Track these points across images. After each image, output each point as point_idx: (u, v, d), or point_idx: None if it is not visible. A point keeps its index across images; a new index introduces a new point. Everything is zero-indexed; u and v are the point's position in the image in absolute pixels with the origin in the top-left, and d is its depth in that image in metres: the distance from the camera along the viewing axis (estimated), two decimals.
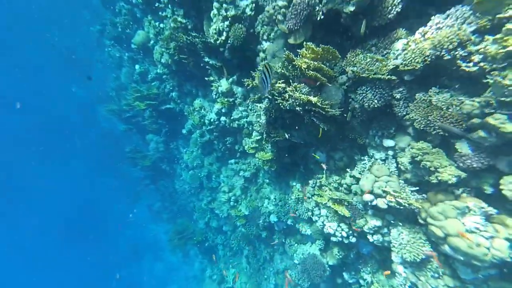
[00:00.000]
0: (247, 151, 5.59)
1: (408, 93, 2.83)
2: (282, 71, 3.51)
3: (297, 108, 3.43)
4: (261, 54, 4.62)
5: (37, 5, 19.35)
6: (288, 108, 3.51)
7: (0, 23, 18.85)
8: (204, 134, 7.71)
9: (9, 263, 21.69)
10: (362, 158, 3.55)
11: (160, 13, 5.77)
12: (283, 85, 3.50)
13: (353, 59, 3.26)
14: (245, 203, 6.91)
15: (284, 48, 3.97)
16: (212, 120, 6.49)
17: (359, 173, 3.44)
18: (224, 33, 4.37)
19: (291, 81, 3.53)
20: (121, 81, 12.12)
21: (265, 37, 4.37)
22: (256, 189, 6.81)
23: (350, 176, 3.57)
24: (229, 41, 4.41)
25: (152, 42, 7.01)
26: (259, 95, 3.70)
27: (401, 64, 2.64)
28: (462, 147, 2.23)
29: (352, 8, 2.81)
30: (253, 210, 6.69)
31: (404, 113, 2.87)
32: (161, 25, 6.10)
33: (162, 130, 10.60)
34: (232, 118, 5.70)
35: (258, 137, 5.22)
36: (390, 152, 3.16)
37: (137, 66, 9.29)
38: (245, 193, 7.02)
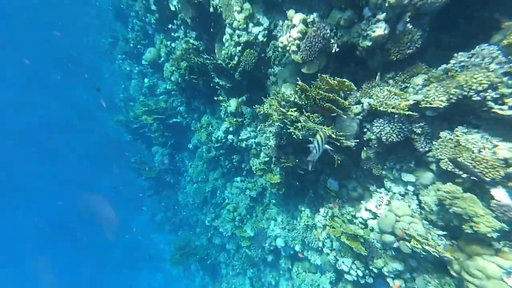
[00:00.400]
0: (255, 172, 5.48)
1: (430, 128, 2.71)
2: (295, 99, 3.46)
3: (310, 139, 3.34)
4: (272, 78, 4.62)
5: (50, 11, 20.28)
6: (300, 138, 3.42)
7: (16, 27, 19.82)
8: (211, 150, 7.67)
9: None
10: (378, 190, 3.39)
11: (172, 33, 5.90)
12: (295, 113, 3.43)
13: (369, 90, 3.18)
14: (250, 224, 6.73)
15: (297, 78, 3.94)
16: (219, 138, 6.46)
17: (376, 207, 3.27)
18: (236, 58, 4.39)
19: (303, 109, 3.46)
20: (130, 93, 12.39)
21: (276, 62, 4.37)
22: (262, 209, 6.63)
23: (366, 210, 3.39)
24: (240, 66, 4.42)
25: (162, 59, 7.15)
26: (269, 122, 3.62)
27: (423, 100, 2.54)
28: (501, 196, 2.07)
29: (369, 43, 2.76)
30: (259, 232, 6.48)
31: (426, 149, 2.73)
32: (173, 45, 6.24)
33: (168, 143, 10.63)
34: (240, 137, 5.64)
35: (266, 159, 5.12)
36: (410, 188, 3.00)
37: (146, 80, 9.49)
38: (250, 213, 6.85)
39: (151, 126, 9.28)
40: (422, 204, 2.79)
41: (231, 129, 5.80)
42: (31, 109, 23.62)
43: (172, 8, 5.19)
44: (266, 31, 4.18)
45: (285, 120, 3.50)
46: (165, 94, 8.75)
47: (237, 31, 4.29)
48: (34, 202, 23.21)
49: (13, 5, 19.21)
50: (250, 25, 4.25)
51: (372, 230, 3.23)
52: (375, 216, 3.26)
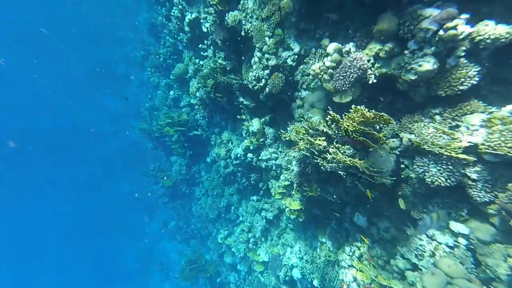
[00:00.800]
0: (273, 195, 5.30)
1: (490, 175, 2.37)
2: (324, 129, 3.31)
3: (340, 173, 3.13)
4: (298, 101, 4.54)
5: (87, 22, 22.70)
6: (328, 170, 3.23)
7: (53, 34, 22.42)
8: (228, 165, 7.67)
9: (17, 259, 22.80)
10: (419, 237, 3.01)
11: (201, 52, 6.20)
12: (324, 143, 3.28)
13: (409, 125, 2.94)
14: (265, 248, 6.44)
15: (325, 103, 3.83)
16: (238, 155, 6.44)
17: (416, 257, 2.89)
18: (263, 80, 4.42)
19: (333, 140, 3.29)
20: (155, 103, 13.14)
21: (304, 86, 4.31)
22: (278, 233, 6.34)
23: (404, 258, 3.02)
24: (267, 88, 4.43)
25: (189, 75, 7.51)
26: (295, 150, 3.49)
27: (484, 144, 2.25)
28: None
29: (413, 77, 2.58)
30: (273, 258, 6.15)
31: (486, 199, 2.38)
32: (201, 62, 6.53)
33: (186, 153, 10.90)
34: (260, 157, 5.55)
35: (287, 183, 4.93)
36: (462, 241, 2.62)
37: (171, 92, 10.01)
38: (265, 236, 6.58)
39: (172, 136, 9.63)
40: (483, 267, 2.39)
41: (251, 148, 5.76)
42: (65, 113, 26.08)
43: (204, 30, 5.47)
44: (296, 56, 4.18)
45: (312, 150, 3.35)
46: (188, 107, 9.10)
47: (266, 55, 4.34)
48: (56, 202, 24.90)
49: (59, 15, 21.96)
50: (280, 49, 4.29)
51: (412, 285, 2.84)
52: (415, 267, 2.88)
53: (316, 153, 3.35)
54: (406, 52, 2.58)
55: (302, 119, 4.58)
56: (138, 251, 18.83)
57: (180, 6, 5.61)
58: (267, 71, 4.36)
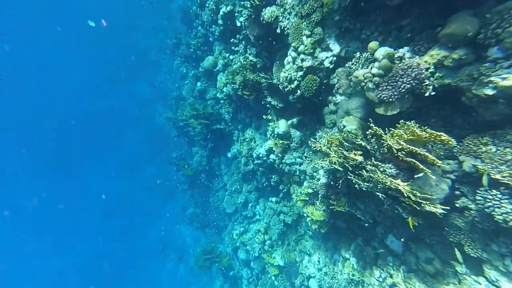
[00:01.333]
0: (295, 201, 5.17)
1: None
2: (361, 142, 3.02)
3: (378, 194, 2.86)
4: (331, 106, 4.24)
5: (123, 10, 23.98)
6: (364, 189, 2.98)
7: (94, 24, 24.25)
8: (249, 163, 7.68)
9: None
10: (474, 277, 2.66)
11: (232, 47, 6.11)
12: (360, 158, 3.00)
13: (475, 147, 2.52)
14: (281, 252, 6.42)
15: (364, 113, 3.49)
16: (261, 155, 6.37)
17: None
18: (295, 82, 4.19)
19: (372, 156, 3.00)
20: (182, 92, 13.60)
21: (340, 91, 3.98)
22: (296, 239, 6.25)
23: None
24: (299, 91, 4.20)
25: (218, 68, 7.52)
26: (326, 162, 3.27)
27: None
28: None
29: (490, 92, 2.16)
30: (290, 264, 6.11)
31: None
32: (231, 57, 6.46)
33: (208, 145, 11.19)
34: (283, 161, 5.41)
35: (310, 191, 4.75)
36: None
37: (198, 83, 10.20)
38: (282, 239, 6.54)
39: (195, 128, 9.92)
40: None
41: (275, 149, 5.63)
42: (102, 96, 28.45)
43: (238, 24, 5.34)
44: (335, 58, 3.86)
45: (346, 165, 3.10)
46: (214, 99, 9.22)
47: (302, 55, 4.08)
48: (93, 180, 27.74)
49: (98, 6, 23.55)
50: (318, 50, 3.99)
51: None
52: None
53: (349, 168, 3.10)
54: (485, 62, 2.16)
55: (334, 125, 4.30)
56: (157, 232, 20.39)
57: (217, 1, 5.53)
58: (300, 73, 4.11)
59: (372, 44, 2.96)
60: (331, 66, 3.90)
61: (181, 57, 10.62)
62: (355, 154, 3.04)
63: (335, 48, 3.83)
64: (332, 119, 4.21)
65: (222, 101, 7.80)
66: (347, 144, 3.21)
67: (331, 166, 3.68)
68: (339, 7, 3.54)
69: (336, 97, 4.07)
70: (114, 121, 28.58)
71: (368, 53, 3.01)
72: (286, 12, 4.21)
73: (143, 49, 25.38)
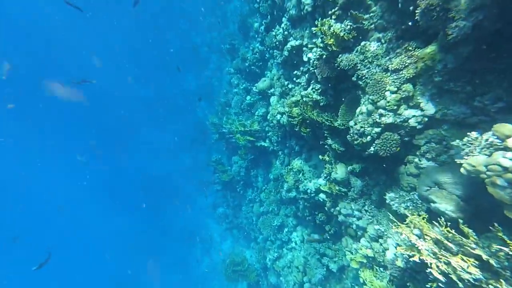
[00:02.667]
0: (349, 262, 4.90)
1: None
2: (476, 249, 2.52)
3: None
4: (411, 168, 3.81)
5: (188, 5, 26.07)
6: None
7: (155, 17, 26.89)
8: (292, 190, 7.61)
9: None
10: None
11: (294, 78, 6.05)
12: (476, 272, 2.36)
13: None
14: None
15: (469, 193, 3.00)
16: (308, 191, 6.23)
17: None
18: (369, 137, 3.90)
19: (501, 278, 2.43)
20: (229, 100, 14.21)
21: (428, 156, 3.54)
22: None
23: None
24: (372, 148, 3.90)
25: (272, 91, 7.57)
26: (409, 250, 2.92)
27: None
28: None
29: None
30: None
31: None
32: (290, 86, 6.41)
33: (248, 157, 11.49)
34: (338, 209, 5.18)
35: (371, 255, 4.43)
36: None
37: (248, 97, 10.49)
38: (323, 285, 6.33)
39: (239, 140, 10.28)
40: None
41: (328, 192, 5.42)
42: (149, 84, 31.94)
43: (305, 59, 5.23)
44: (426, 119, 3.43)
45: (452, 275, 2.59)
46: (262, 117, 9.36)
47: (381, 110, 3.76)
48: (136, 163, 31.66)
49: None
50: (403, 107, 3.61)
51: None
52: None
53: (454, 277, 2.58)
54: None
55: (413, 190, 3.83)
56: (186, 221, 22.16)
57: (286, 32, 5.49)
58: (377, 129, 3.80)
59: (504, 129, 2.46)
60: (420, 127, 3.49)
61: (235, 68, 11.04)
62: (464, 260, 2.53)
63: (429, 108, 3.40)
64: (411, 182, 3.80)
65: (272, 124, 7.85)
66: (448, 243, 2.72)
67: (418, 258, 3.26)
68: (443, 68, 3.11)
69: (420, 160, 3.64)
70: (160, 107, 31.75)
71: (494, 137, 2.51)
72: (366, 61, 3.92)
73: (196, 45, 27.19)
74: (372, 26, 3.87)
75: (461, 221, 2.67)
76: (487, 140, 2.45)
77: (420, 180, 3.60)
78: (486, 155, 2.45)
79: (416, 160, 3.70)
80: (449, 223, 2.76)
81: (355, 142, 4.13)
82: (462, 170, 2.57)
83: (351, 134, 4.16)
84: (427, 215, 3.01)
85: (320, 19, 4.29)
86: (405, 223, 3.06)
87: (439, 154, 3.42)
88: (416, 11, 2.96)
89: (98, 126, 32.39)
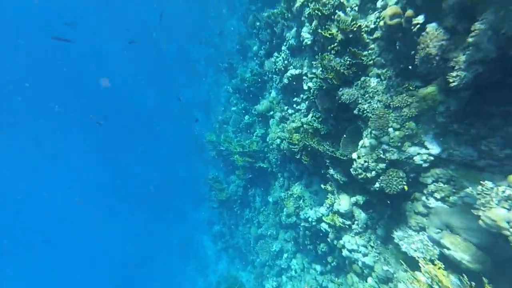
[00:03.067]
0: None
1: None
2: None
3: None
4: (419, 207, 3.68)
5: (186, 21, 26.85)
6: None
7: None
8: (292, 215, 7.38)
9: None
10: None
11: (294, 105, 6.06)
12: None
13: None
14: None
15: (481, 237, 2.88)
16: (310, 219, 6.04)
17: None
18: (373, 173, 3.82)
19: None
20: (227, 117, 14.21)
21: (437, 195, 3.45)
22: None
23: None
24: (377, 184, 3.80)
25: (271, 114, 7.57)
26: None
27: None
28: None
29: None
30: None
31: None
32: (289, 111, 6.41)
33: (246, 175, 11.26)
34: (341, 242, 4.97)
35: None
36: None
37: (246, 117, 10.48)
38: None
39: (238, 161, 10.12)
40: None
41: (330, 223, 5.23)
42: (147, 95, 32.09)
43: (305, 87, 5.25)
44: (432, 158, 3.38)
45: None
46: (260, 138, 9.30)
47: (385, 146, 3.71)
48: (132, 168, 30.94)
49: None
50: (407, 144, 3.57)
51: None
52: None
53: None
54: None
55: (422, 230, 3.68)
56: (181, 237, 21.25)
57: (285, 62, 5.57)
58: (382, 165, 3.73)
59: None
60: (426, 165, 3.43)
61: (234, 88, 11.12)
62: None
63: (434, 148, 3.36)
64: (420, 222, 3.66)
65: (271, 147, 7.76)
66: None
67: None
68: (446, 110, 3.10)
69: (428, 199, 3.53)
70: (158, 117, 31.62)
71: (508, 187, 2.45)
72: (367, 95, 3.93)
73: (194, 59, 27.71)
74: (371, 62, 3.93)
75: (485, 279, 2.51)
76: (503, 192, 2.37)
77: (430, 220, 3.48)
78: (505, 208, 2.36)
79: (424, 198, 3.60)
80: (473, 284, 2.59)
81: (359, 177, 4.03)
82: (480, 222, 2.47)
83: (355, 168, 4.07)
84: (443, 265, 2.86)
85: (319, 53, 4.35)
86: (420, 272, 2.90)
87: (448, 195, 3.32)
88: (416, 57, 3.00)
89: (96, 134, 31.69)
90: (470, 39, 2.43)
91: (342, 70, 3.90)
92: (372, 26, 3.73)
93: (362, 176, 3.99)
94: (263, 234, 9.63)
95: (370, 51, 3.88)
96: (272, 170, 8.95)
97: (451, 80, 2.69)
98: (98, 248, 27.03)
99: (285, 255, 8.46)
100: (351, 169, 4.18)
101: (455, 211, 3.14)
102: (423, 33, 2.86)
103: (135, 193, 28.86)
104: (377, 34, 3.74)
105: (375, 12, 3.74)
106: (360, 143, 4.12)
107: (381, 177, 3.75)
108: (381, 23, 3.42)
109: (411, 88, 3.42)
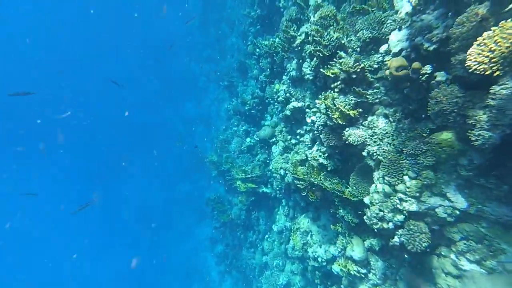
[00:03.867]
0: None
1: None
2: None
3: None
4: (448, 265, 3.23)
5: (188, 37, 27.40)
6: None
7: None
8: (297, 248, 6.92)
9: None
10: None
11: (297, 136, 5.79)
12: None
13: None
14: None
15: None
16: (319, 258, 5.60)
17: None
18: (391, 224, 3.45)
19: None
20: (227, 136, 14.02)
21: (470, 258, 3.04)
22: None
23: None
24: (396, 238, 3.42)
25: (273, 140, 7.31)
26: None
27: None
28: None
29: None
30: None
31: None
32: (293, 141, 6.15)
33: (249, 199, 10.87)
34: None
35: None
36: None
37: (248, 139, 10.26)
38: None
39: (240, 187, 9.77)
40: None
41: (343, 269, 4.79)
42: (150, 110, 32.28)
43: (308, 120, 5.00)
44: (458, 212, 3.02)
45: None
46: (263, 162, 9.00)
47: (401, 195, 3.36)
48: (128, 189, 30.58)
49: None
50: (426, 193, 3.22)
51: None
52: None
53: None
54: None
55: None
56: (184, 256, 20.59)
57: (287, 94, 5.37)
58: (400, 216, 3.36)
59: None
60: (451, 220, 3.06)
61: (234, 110, 10.99)
62: None
63: (458, 201, 3.01)
64: (451, 284, 3.21)
65: (275, 175, 7.43)
66: None
67: None
68: (469, 163, 2.78)
69: (459, 259, 3.13)
70: (161, 134, 31.63)
71: None
72: (376, 137, 3.64)
73: (195, 74, 28.08)
74: (377, 100, 3.68)
75: None
76: None
77: (466, 286, 3.06)
78: None
79: (453, 256, 3.20)
80: None
81: (375, 227, 3.67)
82: None
83: (369, 217, 3.71)
84: None
85: (322, 90, 4.12)
86: None
87: (484, 259, 2.92)
88: (428, 110, 2.75)
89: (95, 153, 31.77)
90: (491, 102, 2.16)
91: (347, 111, 3.65)
92: (376, 66, 3.51)
93: (378, 226, 3.63)
94: (268, 264, 9.11)
95: (375, 90, 3.63)
96: (276, 196, 8.58)
97: (473, 139, 2.40)
98: (101, 275, 26.36)
99: None
100: (365, 218, 3.83)
101: (497, 280, 2.74)
102: (436, 89, 2.63)
103: (134, 217, 28.41)
104: (382, 74, 3.51)
105: (378, 54, 3.53)
106: (372, 187, 3.79)
107: (400, 231, 3.37)
108: (387, 72, 3.19)
109: (424, 134, 3.13)
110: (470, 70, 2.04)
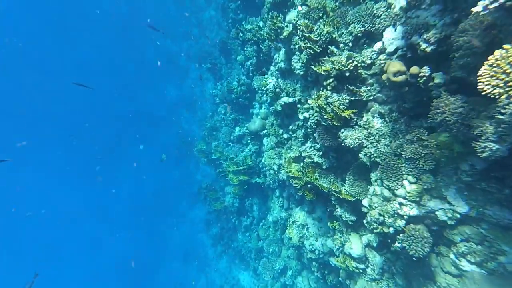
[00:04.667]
0: None
1: None
2: None
3: None
4: (447, 265, 3.29)
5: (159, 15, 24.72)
6: None
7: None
8: (294, 241, 7.11)
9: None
10: None
11: (290, 131, 5.46)
12: None
13: None
14: None
15: None
16: (316, 251, 5.77)
17: None
18: (391, 229, 3.43)
19: None
20: (215, 123, 13.42)
21: (471, 259, 3.09)
22: None
23: None
24: (397, 243, 3.42)
25: (265, 133, 6.97)
26: None
27: None
28: None
29: None
30: None
31: None
32: (285, 136, 5.82)
33: (243, 188, 10.85)
34: (354, 283, 4.74)
35: None
36: None
37: (237, 129, 9.82)
38: None
39: (232, 180, 9.61)
40: None
41: (342, 265, 4.95)
42: (134, 99, 30.23)
43: (300, 117, 4.67)
44: (459, 215, 3.01)
45: None
46: (254, 153, 8.75)
47: (400, 199, 3.30)
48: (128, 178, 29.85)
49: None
50: (426, 197, 3.17)
51: None
52: None
53: None
54: None
55: None
56: (181, 239, 21.26)
57: (277, 89, 4.86)
58: (400, 222, 3.34)
59: None
60: (452, 223, 3.07)
61: (221, 99, 10.29)
62: None
63: (459, 205, 2.97)
64: (450, 283, 3.34)
65: (268, 169, 7.26)
66: None
67: None
68: (471, 168, 2.68)
69: (460, 260, 3.21)
70: (144, 121, 30.09)
71: None
72: (372, 138, 3.44)
73: (173, 54, 26.00)
74: (371, 98, 3.40)
75: None
76: None
77: (465, 285, 3.18)
78: None
79: (452, 257, 3.27)
80: None
81: (375, 231, 3.66)
82: None
83: (369, 222, 3.68)
84: None
85: (313, 86, 3.74)
86: None
87: (485, 260, 2.99)
88: (429, 118, 2.53)
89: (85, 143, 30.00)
90: (500, 116, 1.96)
91: (342, 113, 3.36)
92: (369, 61, 3.16)
93: (378, 230, 3.62)
94: (265, 250, 9.46)
95: (369, 87, 3.33)
96: (269, 185, 8.55)
97: (478, 150, 2.25)
98: (100, 264, 26.77)
99: (290, 272, 8.37)
100: (365, 221, 3.80)
101: (497, 282, 2.83)
102: (438, 99, 2.38)
103: (128, 205, 28.13)
104: (375, 70, 3.18)
105: (371, 49, 3.16)
106: (371, 190, 3.70)
107: (401, 235, 3.37)
108: (384, 76, 2.86)
109: (423, 138, 2.96)
110: (483, 94, 1.81)
